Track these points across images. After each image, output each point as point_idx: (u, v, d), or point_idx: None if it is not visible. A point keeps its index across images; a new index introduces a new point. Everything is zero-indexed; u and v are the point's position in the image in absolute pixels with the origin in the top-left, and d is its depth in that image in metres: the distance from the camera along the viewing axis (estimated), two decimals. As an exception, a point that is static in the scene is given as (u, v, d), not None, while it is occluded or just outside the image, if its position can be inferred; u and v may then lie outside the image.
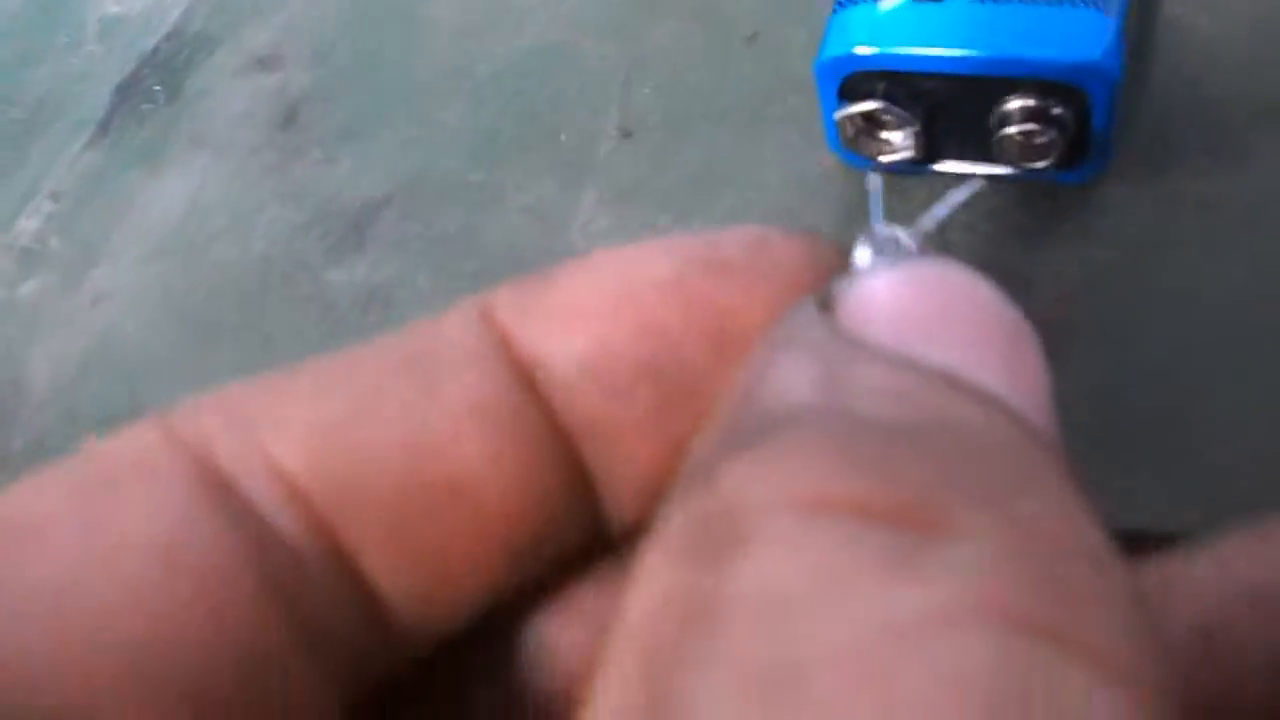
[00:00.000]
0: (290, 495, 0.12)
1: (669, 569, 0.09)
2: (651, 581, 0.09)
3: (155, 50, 0.35)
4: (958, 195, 0.24)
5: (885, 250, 0.22)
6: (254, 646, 0.11)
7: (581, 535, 0.13)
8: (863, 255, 0.21)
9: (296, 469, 0.12)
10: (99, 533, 0.11)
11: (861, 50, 0.24)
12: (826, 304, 0.11)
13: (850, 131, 0.25)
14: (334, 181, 0.30)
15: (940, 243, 0.23)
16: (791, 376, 0.10)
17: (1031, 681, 0.08)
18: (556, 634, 0.13)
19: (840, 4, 0.25)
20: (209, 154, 0.32)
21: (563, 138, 0.29)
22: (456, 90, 0.31)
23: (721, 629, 0.08)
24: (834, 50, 0.24)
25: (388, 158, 0.30)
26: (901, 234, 0.22)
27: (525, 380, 0.12)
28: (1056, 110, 0.23)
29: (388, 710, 0.13)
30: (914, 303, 0.11)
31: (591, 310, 0.12)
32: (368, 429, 0.12)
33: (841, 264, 0.13)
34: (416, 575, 0.12)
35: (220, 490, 0.12)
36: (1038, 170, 0.24)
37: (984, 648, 0.08)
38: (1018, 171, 0.24)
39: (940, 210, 0.24)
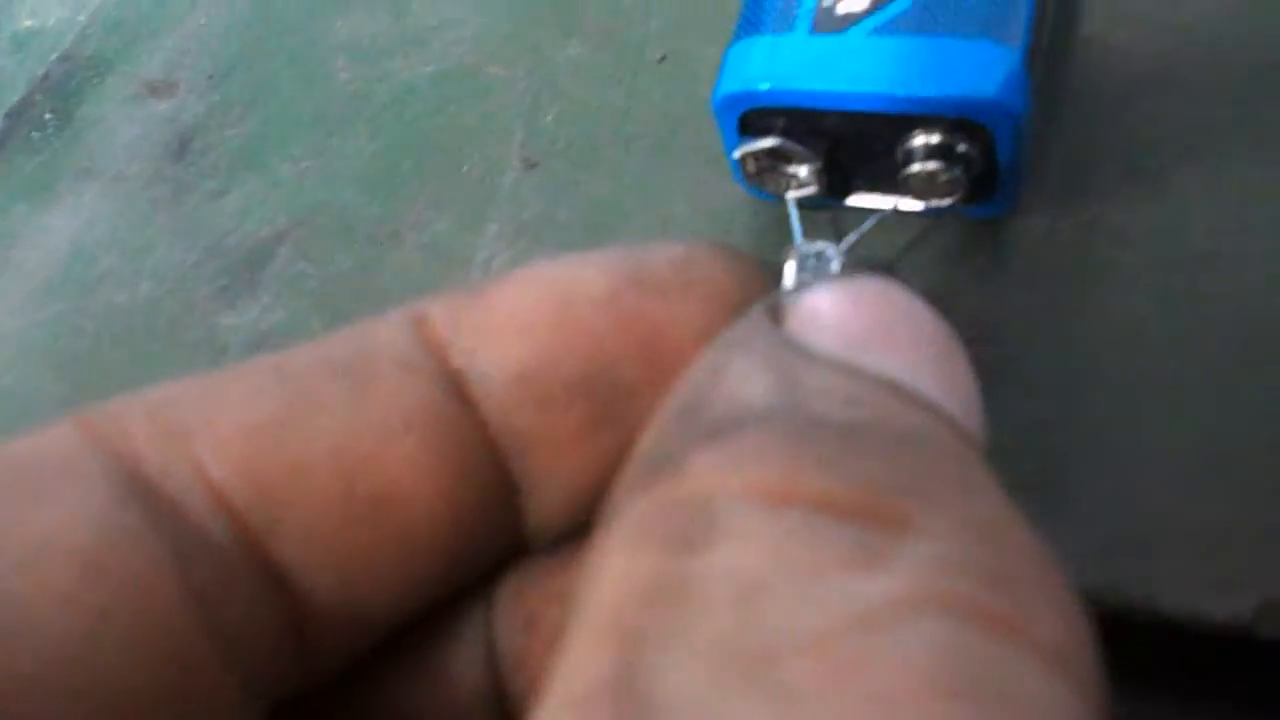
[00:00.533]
0: (217, 502, 0.12)
1: (636, 554, 0.09)
2: (617, 566, 0.10)
3: (47, 74, 0.34)
4: (865, 224, 0.23)
5: (810, 266, 0.21)
6: (175, 654, 0.11)
7: (503, 544, 0.13)
8: (789, 270, 0.20)
9: (224, 475, 0.12)
10: (18, 534, 0.11)
11: (757, 86, 0.23)
12: (775, 314, 0.12)
13: (753, 168, 0.24)
14: (226, 217, 0.29)
15: (856, 262, 0.22)
16: (748, 377, 0.11)
17: (986, 666, 0.08)
18: (486, 634, 0.13)
19: (737, 35, 0.24)
20: (99, 187, 0.30)
21: (465, 169, 0.28)
22: (355, 117, 0.30)
23: (693, 611, 0.09)
24: (730, 86, 0.23)
25: (283, 190, 0.29)
26: (828, 249, 0.21)
27: (457, 391, 0.12)
28: (961, 147, 0.22)
29: (309, 717, 0.13)
30: (857, 315, 0.12)
31: (527, 324, 0.13)
32: (297, 436, 0.12)
33: (764, 281, 0.14)
34: (340, 584, 0.12)
35: (145, 495, 0.11)
36: (947, 206, 0.23)
37: (943, 634, 0.08)
38: (926, 207, 0.23)
39: (851, 236, 0.23)
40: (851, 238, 0.23)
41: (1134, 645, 0.16)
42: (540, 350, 0.12)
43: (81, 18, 0.35)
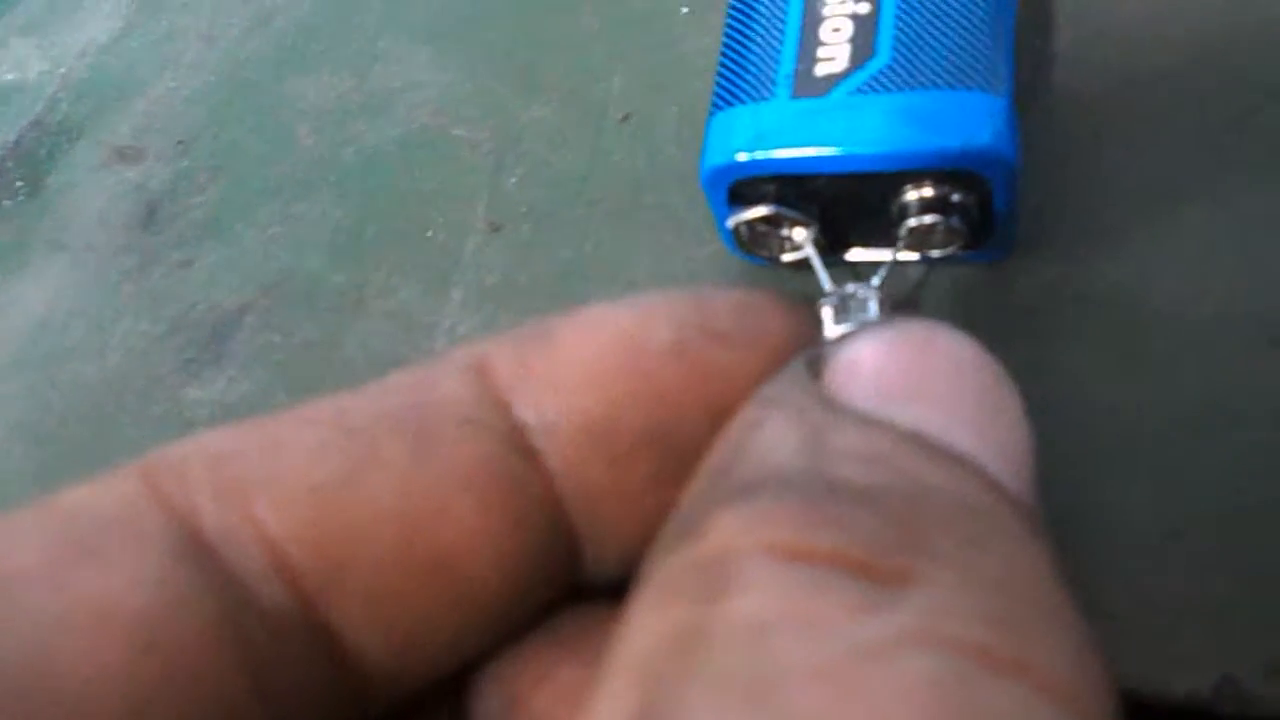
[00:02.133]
0: (276, 563, 0.11)
1: (663, 607, 0.10)
2: (645, 618, 0.10)
3: (19, 140, 0.34)
4: (882, 268, 0.23)
5: (849, 307, 0.20)
6: (225, 716, 0.11)
7: (559, 593, 0.13)
8: (827, 316, 0.19)
9: (284, 536, 0.12)
10: (75, 597, 0.11)
11: (743, 156, 0.22)
12: (815, 366, 0.12)
13: (747, 236, 0.23)
14: (193, 287, 0.29)
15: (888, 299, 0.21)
16: (778, 437, 0.11)
17: (986, 699, 0.09)
18: (526, 693, 0.13)
19: (717, 105, 0.23)
20: (67, 257, 0.30)
21: (429, 233, 0.28)
22: (321, 182, 0.30)
23: (710, 653, 0.09)
24: (716, 159, 0.23)
25: (248, 258, 0.29)
26: (860, 289, 0.21)
27: (521, 445, 0.12)
28: (956, 197, 0.22)
29: None
30: (895, 365, 0.12)
31: (595, 374, 0.12)
32: (358, 497, 0.12)
33: (818, 328, 0.14)
34: (393, 645, 0.12)
35: (204, 556, 0.11)
36: (946, 255, 0.23)
37: (944, 668, 0.09)
38: (926, 258, 0.23)
39: (877, 277, 0.23)
40: (879, 275, 0.23)
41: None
42: (608, 402, 0.12)
43: (62, 70, 0.35)
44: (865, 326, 0.12)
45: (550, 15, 0.31)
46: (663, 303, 0.13)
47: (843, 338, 0.12)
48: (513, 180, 0.28)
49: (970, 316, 0.24)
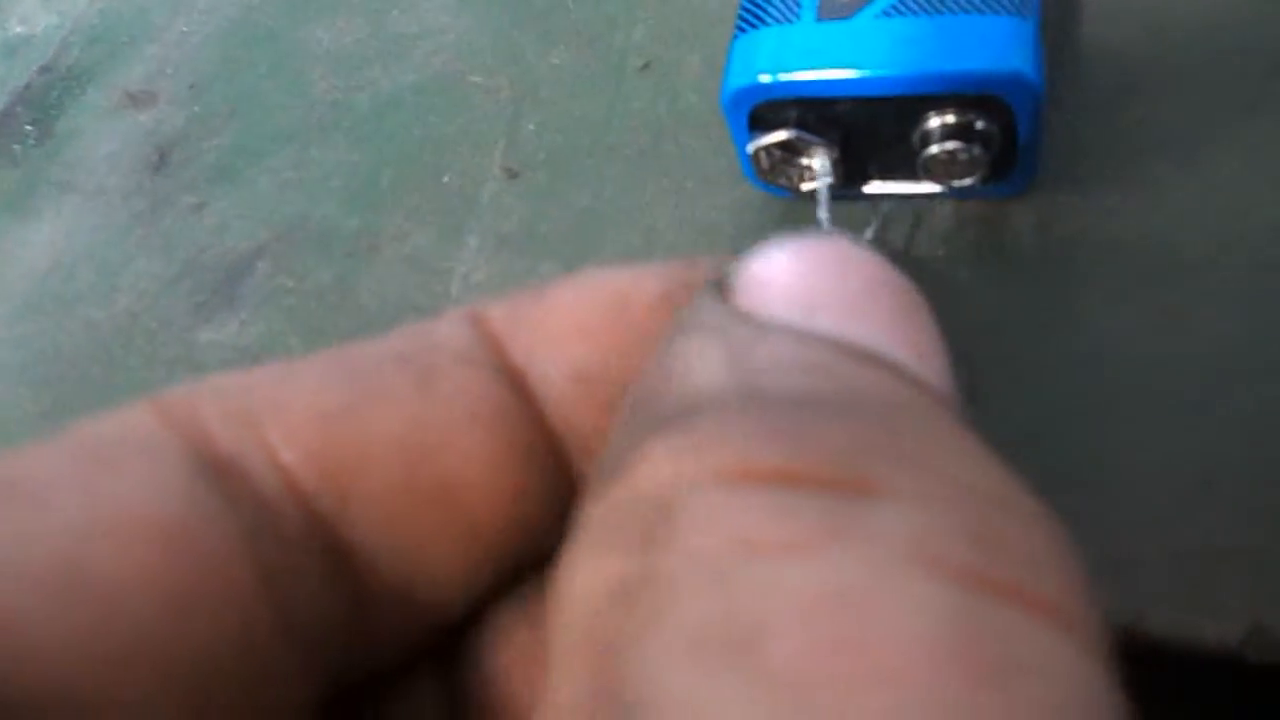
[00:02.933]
0: (287, 485, 0.11)
1: (596, 561, 0.09)
2: (581, 578, 0.09)
3: (29, 85, 0.33)
4: (883, 211, 0.22)
5: None
6: (244, 632, 0.11)
7: (561, 541, 0.13)
8: None
9: (294, 459, 0.12)
10: (103, 504, 0.10)
11: (766, 78, 0.22)
12: (723, 287, 0.11)
13: (766, 163, 0.23)
14: (205, 231, 0.28)
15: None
16: (698, 360, 0.11)
17: (992, 631, 0.08)
18: (515, 663, 0.13)
19: (741, 28, 0.23)
20: (78, 200, 0.30)
21: (445, 179, 0.28)
22: (335, 127, 0.29)
23: (662, 605, 0.08)
24: (738, 81, 0.22)
25: (262, 203, 0.28)
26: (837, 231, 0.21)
27: (517, 387, 0.12)
28: (980, 124, 0.21)
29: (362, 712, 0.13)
30: (805, 278, 0.11)
31: (585, 325, 0.13)
32: (365, 424, 0.12)
33: None
34: (403, 568, 0.12)
35: (220, 474, 0.11)
36: (967, 187, 0.22)
37: (940, 601, 0.08)
38: (947, 189, 0.23)
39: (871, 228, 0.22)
40: (872, 229, 0.23)
41: (1119, 669, 0.15)
42: (598, 352, 0.12)
43: (69, 23, 0.35)
44: (763, 244, 0.12)
45: (570, -38, 0.31)
46: (656, 264, 0.13)
47: (744, 257, 0.12)
48: (530, 127, 0.28)
49: (997, 261, 0.24)
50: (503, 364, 0.13)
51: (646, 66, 0.28)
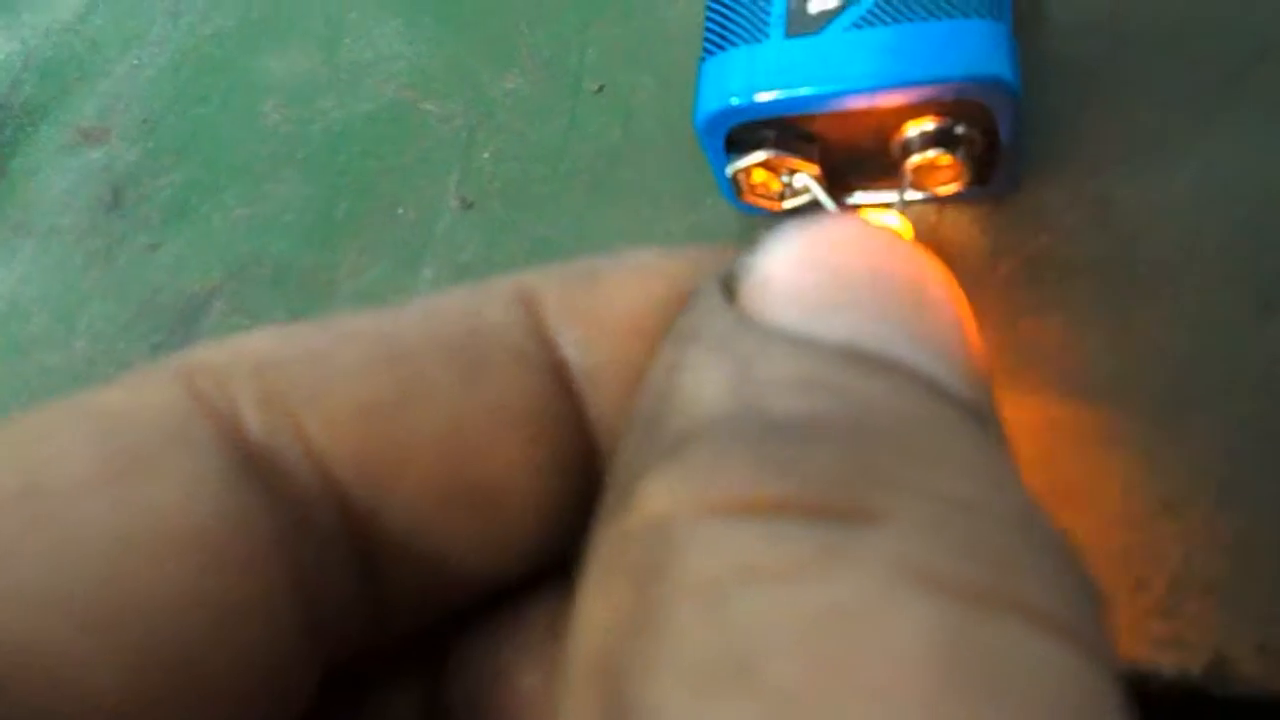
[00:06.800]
0: (324, 482, 0.11)
1: (605, 590, 0.09)
2: (590, 605, 0.09)
3: (-18, 122, 0.33)
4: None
5: None
6: (272, 639, 0.11)
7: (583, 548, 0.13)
8: None
9: (332, 453, 0.11)
10: (136, 513, 0.10)
11: (739, 101, 0.21)
12: (730, 287, 0.11)
13: (747, 185, 0.23)
14: (160, 270, 0.28)
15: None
16: (702, 376, 0.10)
17: (984, 643, 0.08)
18: (510, 670, 0.13)
19: (709, 50, 0.22)
20: (32, 242, 0.30)
21: (400, 211, 0.27)
22: (288, 160, 0.29)
23: (666, 634, 0.08)
24: (710, 105, 0.22)
25: (216, 240, 0.28)
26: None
27: (565, 385, 0.12)
28: (959, 129, 0.21)
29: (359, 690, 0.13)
30: (811, 273, 0.11)
31: (642, 322, 0.12)
32: (407, 420, 0.11)
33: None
34: (428, 569, 0.12)
35: (256, 471, 0.11)
36: (951, 193, 0.22)
37: (930, 616, 0.08)
38: (930, 195, 0.22)
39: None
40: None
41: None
42: (651, 351, 0.12)
43: (18, 60, 0.34)
44: (773, 234, 0.11)
45: (522, -16, 0.30)
46: (712, 253, 0.13)
47: (753, 250, 0.11)
48: (485, 155, 0.28)
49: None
50: (552, 356, 0.12)
51: (601, 89, 0.28)
